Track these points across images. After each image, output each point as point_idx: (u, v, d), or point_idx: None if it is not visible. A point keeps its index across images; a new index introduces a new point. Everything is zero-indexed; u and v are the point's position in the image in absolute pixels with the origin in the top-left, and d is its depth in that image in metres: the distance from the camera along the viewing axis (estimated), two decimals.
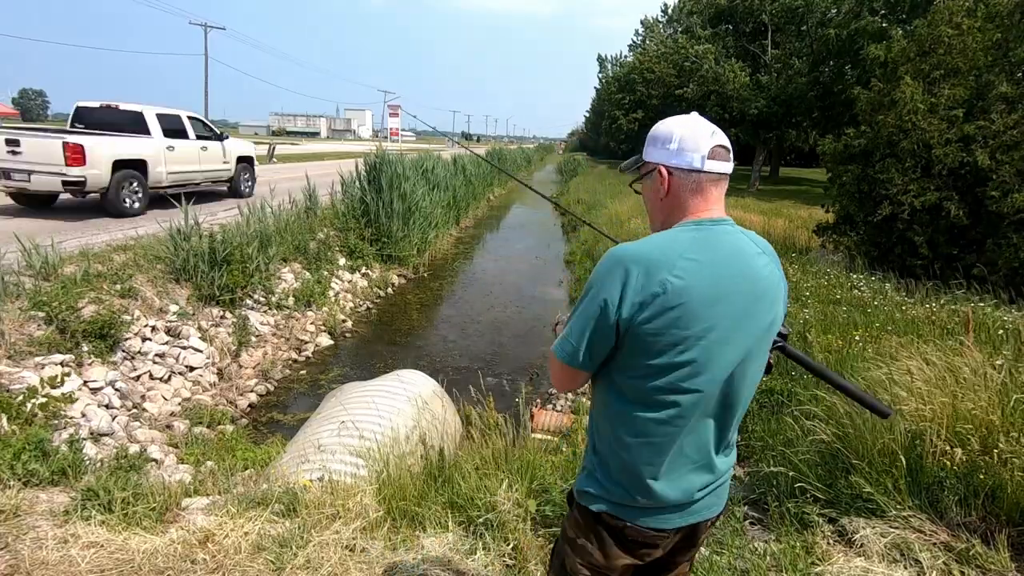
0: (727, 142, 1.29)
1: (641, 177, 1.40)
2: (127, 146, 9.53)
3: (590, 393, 1.41)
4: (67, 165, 8.49)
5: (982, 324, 4.96)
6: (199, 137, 11.22)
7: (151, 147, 9.96)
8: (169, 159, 10.28)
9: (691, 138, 1.26)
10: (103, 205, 9.39)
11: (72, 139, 8.60)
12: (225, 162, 12.06)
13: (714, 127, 1.28)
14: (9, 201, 9.66)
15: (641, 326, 1.19)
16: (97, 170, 8.81)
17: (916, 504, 2.67)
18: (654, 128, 1.34)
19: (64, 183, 8.60)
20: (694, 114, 1.32)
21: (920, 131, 8.16)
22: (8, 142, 8.59)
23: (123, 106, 10.31)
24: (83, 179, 8.65)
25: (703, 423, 1.28)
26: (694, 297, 1.17)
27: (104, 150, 8.95)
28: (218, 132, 12.05)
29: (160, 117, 10.37)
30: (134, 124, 10.10)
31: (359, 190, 12.03)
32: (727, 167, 1.28)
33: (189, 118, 11.15)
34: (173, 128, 10.60)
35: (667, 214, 1.32)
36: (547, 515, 2.77)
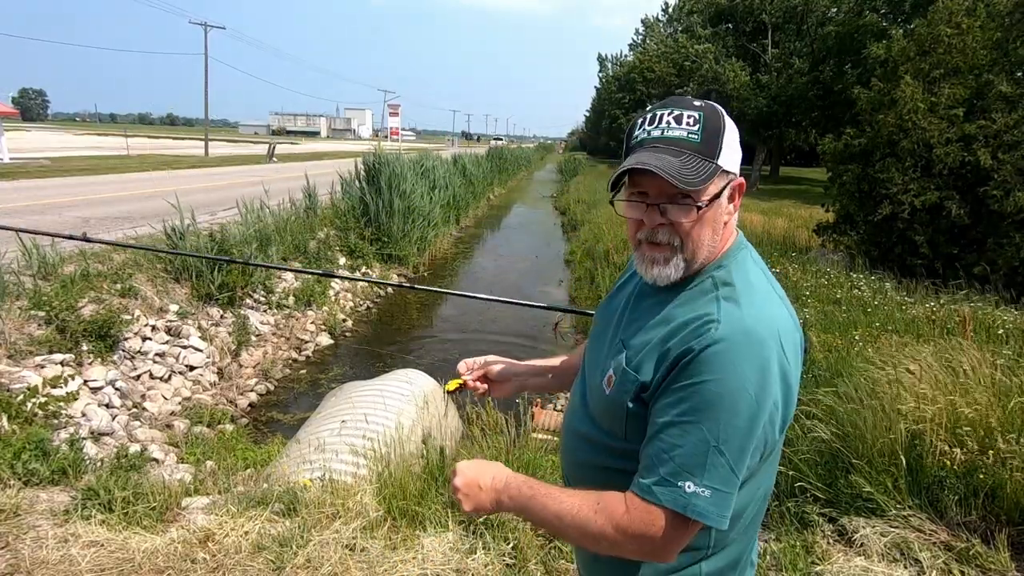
0: None
1: (713, 199, 0.89)
2: (498, 142, 62.03)
3: None
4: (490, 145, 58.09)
5: (982, 324, 4.96)
6: (503, 139, 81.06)
7: (504, 142, 63.03)
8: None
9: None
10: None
11: (498, 142, 61.18)
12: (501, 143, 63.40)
13: None
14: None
15: (786, 422, 0.85)
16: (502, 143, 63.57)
17: (916, 504, 2.67)
18: (726, 119, 0.92)
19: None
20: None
21: (920, 130, 8.15)
22: (496, 140, 68.75)
23: (479, 136, 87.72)
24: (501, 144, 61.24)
25: None
26: (798, 353, 0.85)
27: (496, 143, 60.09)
28: (497, 137, 74.71)
29: (496, 137, 67.40)
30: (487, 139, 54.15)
31: (359, 190, 12.05)
32: None
33: (504, 136, 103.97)
34: (499, 137, 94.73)
35: (723, 241, 0.94)
36: None
